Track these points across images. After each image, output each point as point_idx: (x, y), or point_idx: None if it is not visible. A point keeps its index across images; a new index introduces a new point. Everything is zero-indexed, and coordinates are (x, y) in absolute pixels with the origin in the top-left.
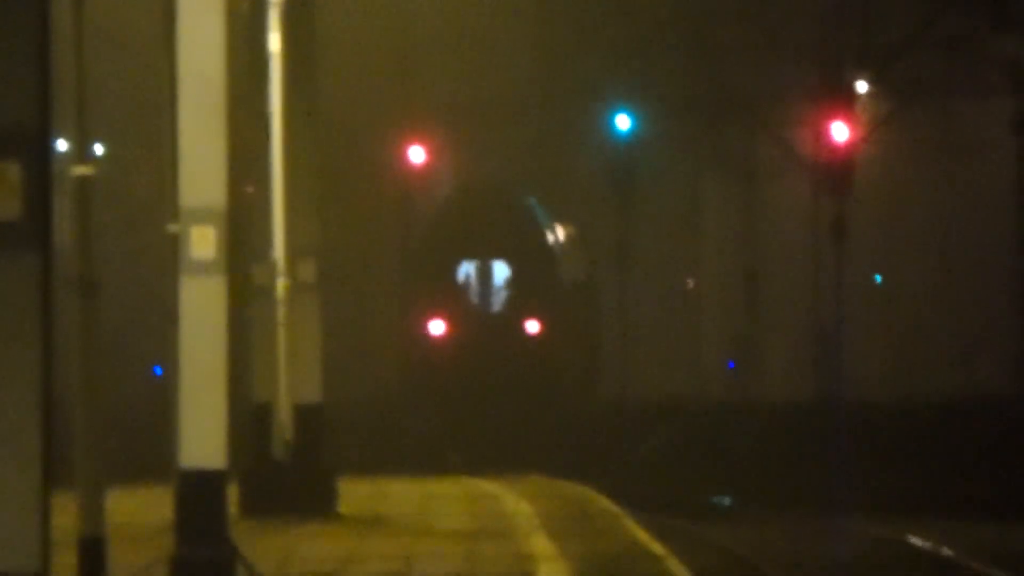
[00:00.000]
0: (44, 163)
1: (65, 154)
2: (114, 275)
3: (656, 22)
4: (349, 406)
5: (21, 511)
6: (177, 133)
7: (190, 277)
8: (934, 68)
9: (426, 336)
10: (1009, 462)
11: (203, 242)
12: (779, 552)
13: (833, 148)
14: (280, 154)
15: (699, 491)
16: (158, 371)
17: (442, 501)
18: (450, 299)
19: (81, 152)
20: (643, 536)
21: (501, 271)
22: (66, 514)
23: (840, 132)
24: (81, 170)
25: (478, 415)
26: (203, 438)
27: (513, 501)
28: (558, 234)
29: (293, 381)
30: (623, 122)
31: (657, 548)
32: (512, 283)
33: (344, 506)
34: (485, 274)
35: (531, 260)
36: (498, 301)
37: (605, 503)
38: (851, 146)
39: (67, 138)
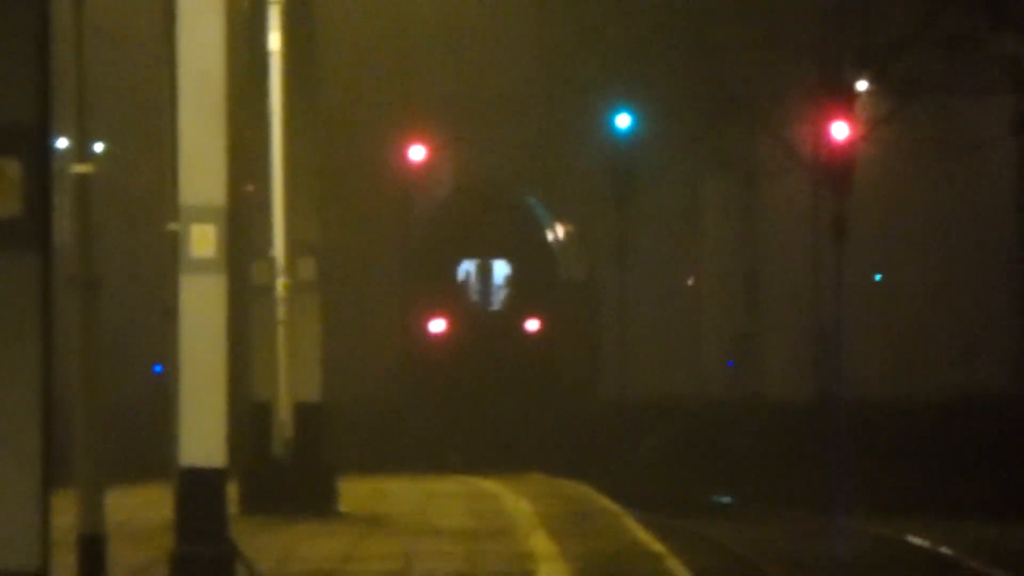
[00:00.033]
0: (44, 161)
1: (65, 152)
2: (114, 274)
3: (656, 21)
4: (349, 405)
5: (21, 510)
6: (177, 132)
7: (190, 276)
8: (934, 67)
9: (426, 335)
10: (1009, 462)
11: (203, 241)
12: (779, 551)
13: (833, 147)
14: (280, 153)
15: (699, 490)
16: (158, 370)
17: (442, 500)
18: (450, 298)
19: (81, 150)
20: (643, 535)
21: (501, 270)
22: (66, 513)
23: (840, 131)
24: (81, 168)
25: (478, 414)
26: (203, 437)
27: (513, 500)
28: (558, 233)
29: (293, 380)
30: (623, 121)
31: (657, 547)
32: (512, 282)
33: (344, 505)
34: (485, 273)
35: (531, 259)
36: (498, 300)
37: (605, 502)
38: (851, 145)
39: (67, 136)
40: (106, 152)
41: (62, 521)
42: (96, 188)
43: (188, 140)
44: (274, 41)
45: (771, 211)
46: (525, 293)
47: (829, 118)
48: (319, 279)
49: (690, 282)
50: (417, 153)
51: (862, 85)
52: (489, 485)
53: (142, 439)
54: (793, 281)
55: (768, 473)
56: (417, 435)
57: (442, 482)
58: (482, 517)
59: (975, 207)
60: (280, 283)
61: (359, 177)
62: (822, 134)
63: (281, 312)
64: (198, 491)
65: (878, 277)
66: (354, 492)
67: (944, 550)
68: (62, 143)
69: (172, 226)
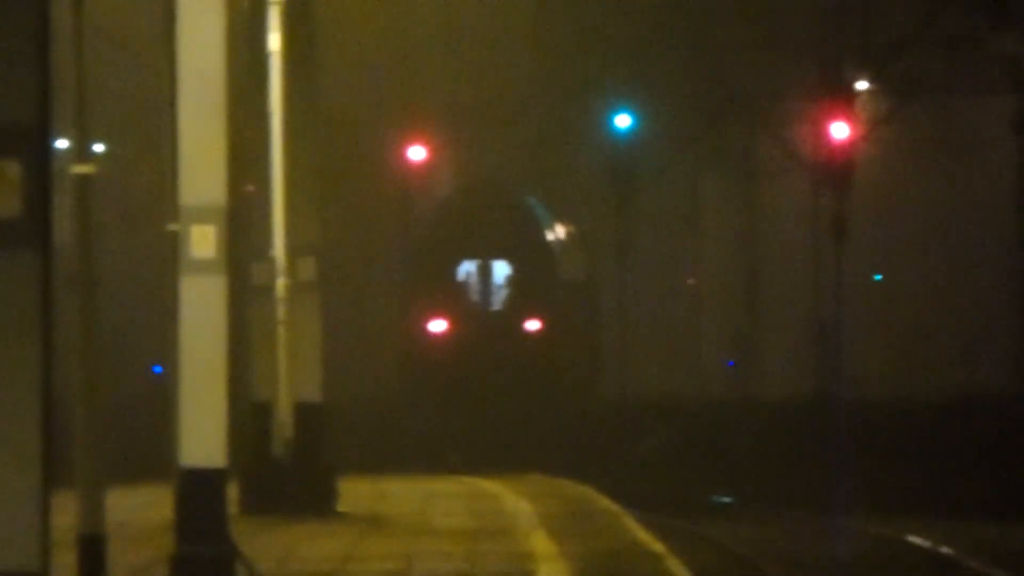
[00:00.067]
0: (44, 161)
1: (65, 152)
2: (114, 274)
3: (656, 21)
4: (349, 405)
5: (21, 510)
6: (177, 132)
7: (190, 276)
8: (934, 67)
9: (427, 335)
10: (1009, 461)
11: (203, 241)
12: (779, 551)
13: (833, 147)
14: (280, 153)
15: (699, 490)
16: (158, 370)
17: (442, 500)
18: (450, 298)
19: (81, 150)
20: (643, 535)
21: (501, 270)
22: (66, 513)
23: (840, 131)
24: (81, 168)
25: (478, 414)
26: (203, 437)
27: (513, 500)
28: (558, 233)
29: (293, 380)
30: (623, 121)
31: (657, 547)
32: (512, 282)
33: (344, 505)
34: (485, 273)
35: (531, 259)
36: (498, 300)
37: (605, 502)
38: (851, 145)
39: (67, 136)
40: (106, 152)
41: (62, 521)
42: (96, 188)
43: (188, 140)
44: (274, 41)
45: (771, 211)
46: (525, 293)
47: (829, 118)
48: (319, 279)
49: (690, 282)
50: (417, 153)
51: (862, 85)
52: (489, 485)
53: (142, 439)
54: (793, 281)
55: (768, 473)
56: (417, 435)
57: (442, 482)
58: (482, 517)
59: (975, 207)
60: (280, 283)
61: (359, 177)
62: (822, 134)
63: (281, 312)
64: (198, 491)
65: (878, 277)
66: (354, 492)
67: (944, 550)
68: (62, 143)
69: (172, 226)
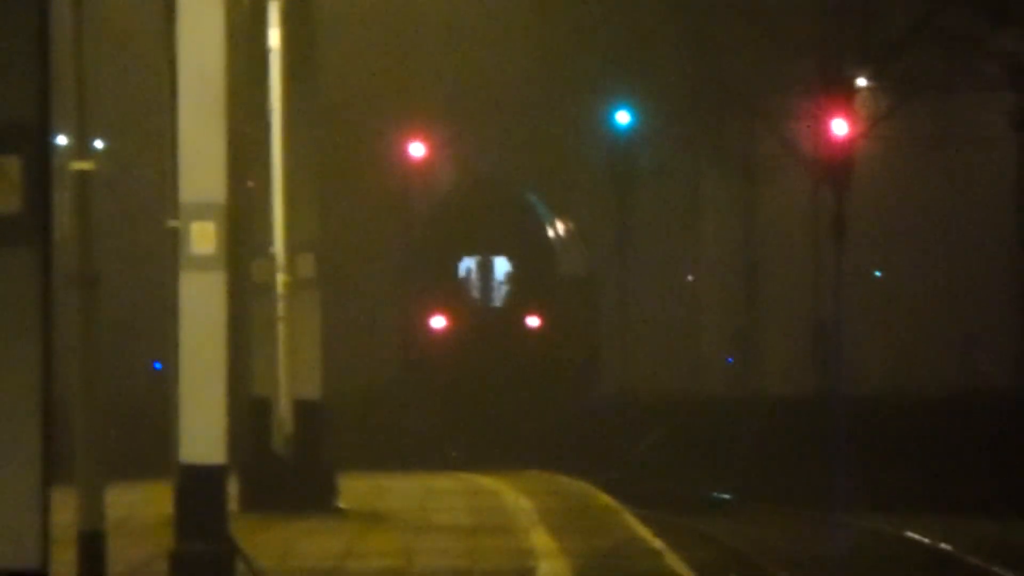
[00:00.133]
0: (44, 158)
1: (65, 149)
2: (114, 270)
3: (656, 18)
4: (349, 402)
5: (21, 507)
6: (177, 129)
7: (190, 272)
8: (934, 64)
9: (427, 332)
10: (1009, 458)
11: (203, 238)
12: (778, 548)
13: (833, 144)
14: (280, 150)
15: (699, 486)
16: (158, 366)
17: (442, 496)
18: (451, 295)
19: (81, 147)
20: (642, 531)
21: (502, 267)
22: (66, 510)
23: (840, 128)
24: (81, 165)
25: (478, 410)
26: (203, 433)
27: (513, 496)
28: (558, 229)
29: (293, 377)
30: (623, 117)
31: (656, 543)
32: (512, 278)
33: (344, 501)
34: (486, 269)
35: (531, 255)
36: (498, 296)
37: (605, 498)
38: (851, 142)
39: (67, 133)
40: (106, 149)
41: (62, 518)
42: (96, 185)
43: (188, 137)
44: (274, 38)
45: (771, 208)
46: (525, 290)
47: (829, 115)
48: (319, 276)
49: (690, 279)
50: (417, 150)
51: (862, 82)
52: (489, 482)
53: (142, 436)
54: (793, 278)
55: (767, 470)
56: (417, 432)
57: (442, 479)
58: (482, 513)
59: (975, 204)
60: (280, 280)
61: (359, 174)
62: (822, 131)
63: (281, 309)
64: (198, 488)
65: (878, 274)
66: (354, 489)
67: (944, 546)
68: (62, 140)
69: (172, 223)
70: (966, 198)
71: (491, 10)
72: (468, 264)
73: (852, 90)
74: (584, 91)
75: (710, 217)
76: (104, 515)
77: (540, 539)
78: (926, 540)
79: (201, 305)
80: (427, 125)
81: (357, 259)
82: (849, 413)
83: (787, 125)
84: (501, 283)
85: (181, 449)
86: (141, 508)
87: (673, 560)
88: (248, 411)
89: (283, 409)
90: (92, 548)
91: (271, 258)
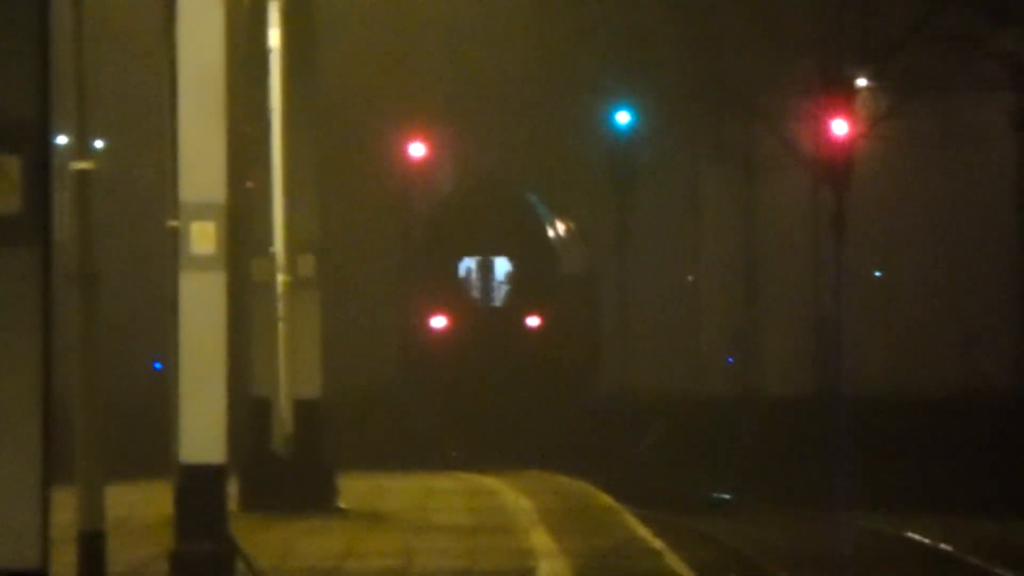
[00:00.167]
0: (44, 157)
1: (65, 149)
2: (114, 270)
3: (656, 18)
4: (349, 401)
5: (21, 507)
6: (177, 128)
7: (190, 272)
8: (934, 64)
9: (427, 331)
10: (1009, 458)
11: (203, 237)
12: (778, 547)
13: (833, 143)
14: (280, 149)
15: (699, 486)
16: (158, 366)
17: (442, 496)
18: (451, 294)
19: (81, 147)
20: (642, 531)
21: (502, 266)
22: (66, 509)
23: (840, 127)
24: (81, 165)
25: (478, 410)
26: (203, 433)
27: (513, 496)
28: (558, 229)
29: (293, 376)
30: (623, 117)
31: (656, 543)
32: (513, 278)
33: (344, 501)
34: (486, 269)
35: (531, 255)
36: (499, 296)
37: (604, 498)
38: (851, 141)
39: (67, 133)
40: (106, 149)
41: (62, 518)
42: (96, 184)
43: (188, 137)
44: (274, 38)
45: (771, 207)
46: (526, 289)
47: (829, 114)
48: (319, 276)
49: (690, 278)
50: (417, 150)
51: (862, 81)
52: (489, 481)
53: (142, 435)
54: (793, 277)
55: (767, 469)
56: (417, 432)
57: (442, 479)
58: (482, 513)
59: (975, 203)
60: (280, 279)
61: (359, 174)
62: (822, 130)
63: (281, 309)
64: (198, 487)
65: (878, 273)
66: (354, 488)
67: (944, 546)
68: (62, 140)
69: (172, 223)
70: (966, 198)
71: (491, 10)
72: (468, 264)
73: (852, 90)
74: (584, 91)
75: (710, 217)
76: (104, 515)
77: (540, 539)
78: (926, 540)
79: (201, 305)
80: (427, 125)
81: (357, 259)
82: (849, 413)
83: (787, 125)
84: (501, 283)
85: (181, 449)
86: (141, 508)
87: (673, 560)
88: (248, 411)
89: (283, 409)
90: (92, 548)
91: (271, 258)
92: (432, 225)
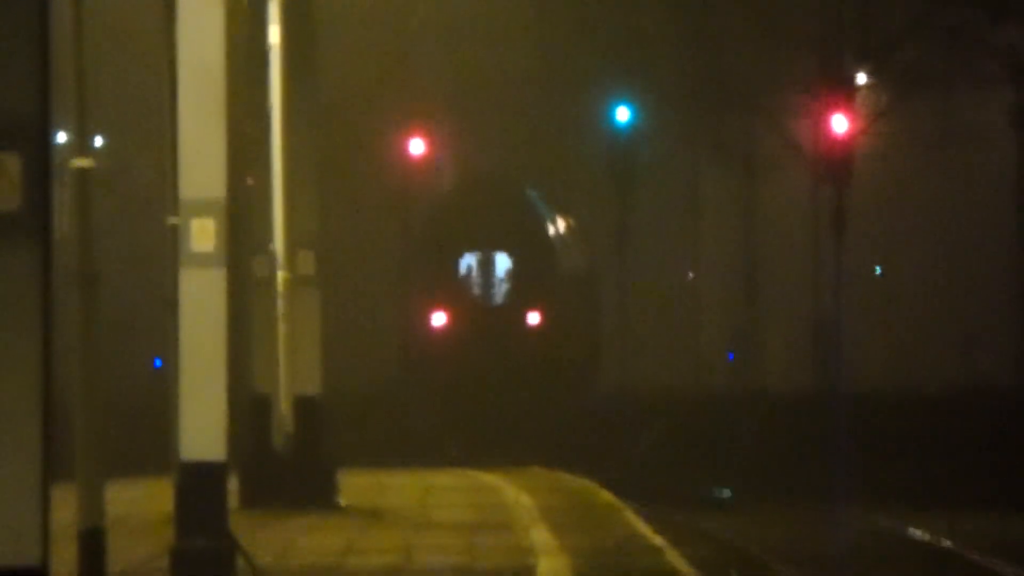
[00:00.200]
0: (44, 155)
1: (65, 146)
2: (114, 268)
3: (656, 15)
4: (349, 398)
5: (21, 505)
6: (177, 126)
7: (190, 269)
8: (934, 59)
9: (427, 328)
10: (1009, 456)
11: (203, 235)
12: (779, 544)
13: (833, 140)
14: (280, 146)
15: (699, 483)
16: (158, 364)
17: (442, 493)
18: (451, 291)
19: (81, 144)
20: (643, 528)
21: (502, 263)
22: (66, 507)
23: (840, 124)
24: (81, 162)
25: (479, 408)
26: (203, 430)
27: (513, 493)
28: (558, 226)
29: (293, 373)
30: (623, 114)
31: (657, 540)
32: (513, 275)
33: (344, 498)
34: (486, 266)
35: (532, 252)
36: (499, 293)
37: (605, 495)
38: (851, 138)
39: (67, 130)
40: (106, 147)
41: (62, 515)
42: (96, 182)
43: (188, 134)
44: (274, 35)
45: (771, 204)
46: (526, 286)
47: (829, 111)
48: (319, 273)
49: (690, 275)
50: (417, 147)
51: (862, 78)
52: (489, 478)
53: (142, 433)
54: (792, 275)
55: (768, 466)
56: (417, 428)
57: (442, 475)
58: (482, 510)
59: (975, 200)
60: (280, 277)
61: (359, 171)
62: (822, 127)
63: (281, 306)
64: (198, 484)
65: (878, 272)
66: (354, 485)
67: (945, 543)
68: (62, 138)
69: (172, 220)
70: (966, 194)
71: (491, 9)
72: (468, 261)
73: (852, 87)
74: (584, 88)
75: (710, 215)
76: (104, 512)
77: (540, 536)
78: (927, 537)
79: (201, 302)
80: (427, 123)
81: (357, 259)
82: (849, 411)
83: (787, 122)
84: (501, 280)
85: (181, 446)
86: (141, 505)
87: (674, 557)
88: (248, 408)
89: (283, 406)
90: (92, 545)
91: (271, 255)
92: (432, 223)
